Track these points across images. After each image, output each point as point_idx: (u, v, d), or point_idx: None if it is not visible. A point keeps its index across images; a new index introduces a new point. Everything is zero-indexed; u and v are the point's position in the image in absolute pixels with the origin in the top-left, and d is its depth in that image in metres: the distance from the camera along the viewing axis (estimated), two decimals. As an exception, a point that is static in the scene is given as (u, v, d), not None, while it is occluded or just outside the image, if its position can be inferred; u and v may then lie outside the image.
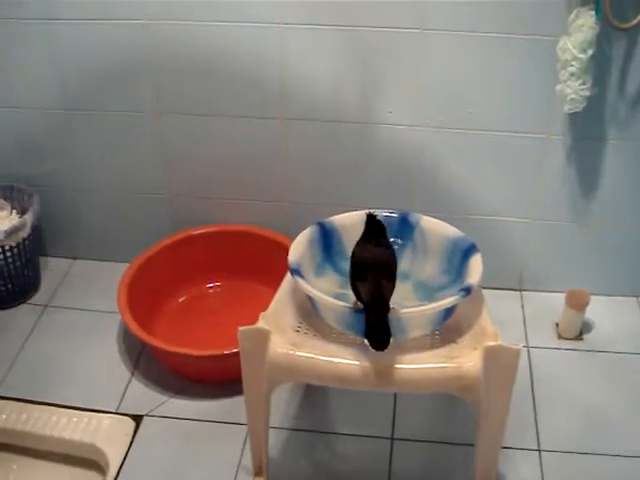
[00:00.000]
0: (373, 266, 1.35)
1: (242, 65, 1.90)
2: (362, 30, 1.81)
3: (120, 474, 1.66)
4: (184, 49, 1.90)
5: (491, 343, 1.37)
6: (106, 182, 2.16)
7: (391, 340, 1.31)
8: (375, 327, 1.32)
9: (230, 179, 2.10)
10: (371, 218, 1.40)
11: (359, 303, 1.38)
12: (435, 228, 1.58)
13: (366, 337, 1.32)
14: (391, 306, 1.36)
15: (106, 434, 1.75)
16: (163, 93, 1.97)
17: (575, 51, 1.70)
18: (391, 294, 1.35)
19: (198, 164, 2.09)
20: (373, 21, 1.80)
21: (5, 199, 2.17)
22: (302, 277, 1.44)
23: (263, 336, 1.41)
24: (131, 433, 1.75)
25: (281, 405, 1.81)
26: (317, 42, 1.84)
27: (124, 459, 1.69)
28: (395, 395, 1.84)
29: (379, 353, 1.32)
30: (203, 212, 2.16)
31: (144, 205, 2.18)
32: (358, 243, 1.40)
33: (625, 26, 1.68)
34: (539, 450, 1.72)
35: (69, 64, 1.96)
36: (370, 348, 1.31)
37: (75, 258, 2.31)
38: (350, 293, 1.45)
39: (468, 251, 1.52)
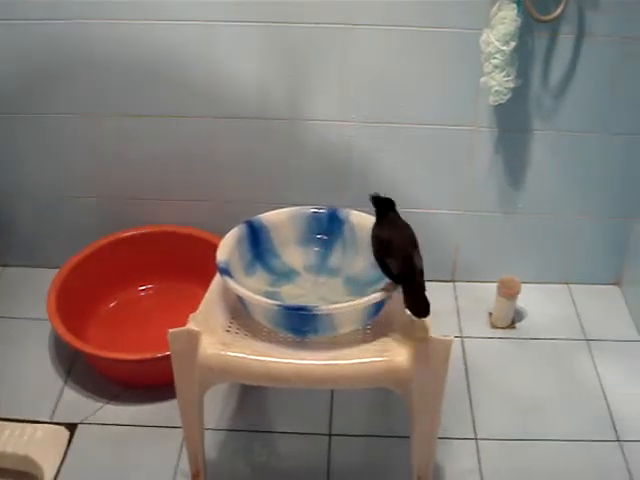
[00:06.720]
0: (398, 242, 1.38)
1: (168, 64, 1.88)
2: (287, 26, 1.80)
3: (55, 485, 1.63)
4: (109, 49, 1.86)
5: (422, 336, 1.38)
6: (36, 186, 2.11)
7: (326, 335, 1.30)
8: (416, 295, 1.35)
9: (160, 180, 2.07)
10: (377, 199, 1.43)
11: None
12: (364, 222, 1.58)
13: (409, 308, 1.36)
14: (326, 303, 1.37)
15: (40, 445, 1.71)
16: (91, 95, 1.94)
17: (498, 44, 1.72)
18: (421, 263, 1.37)
19: (128, 165, 2.05)
20: (299, 17, 1.79)
21: None
22: (231, 276, 1.43)
23: (193, 337, 1.39)
24: (65, 442, 1.72)
25: (217, 406, 1.80)
26: (242, 39, 1.83)
27: (59, 469, 1.66)
28: (332, 390, 1.84)
29: (309, 350, 1.32)
30: (135, 214, 2.13)
31: (75, 209, 2.14)
32: (376, 224, 1.43)
33: (546, 18, 1.71)
34: (476, 439, 1.74)
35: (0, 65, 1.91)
36: (412, 317, 1.36)
37: (5, 265, 2.26)
38: (280, 291, 1.45)
39: (398, 245, 1.52)
